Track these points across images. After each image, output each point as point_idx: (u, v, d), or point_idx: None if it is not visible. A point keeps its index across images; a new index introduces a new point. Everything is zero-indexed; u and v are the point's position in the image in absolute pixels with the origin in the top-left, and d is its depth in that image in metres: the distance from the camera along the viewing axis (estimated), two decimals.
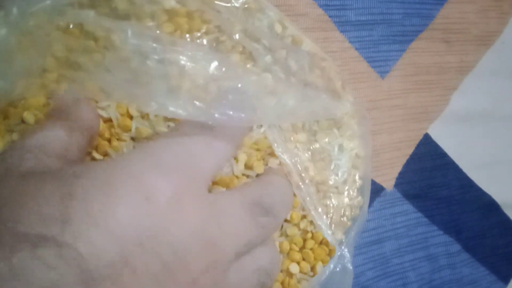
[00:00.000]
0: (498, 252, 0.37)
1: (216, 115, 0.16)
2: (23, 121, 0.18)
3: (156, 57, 0.16)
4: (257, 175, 0.20)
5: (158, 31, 0.18)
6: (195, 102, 0.16)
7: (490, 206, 0.36)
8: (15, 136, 0.18)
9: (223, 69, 0.16)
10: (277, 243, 0.21)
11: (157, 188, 0.14)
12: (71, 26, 0.19)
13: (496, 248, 0.37)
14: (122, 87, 0.16)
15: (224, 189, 0.19)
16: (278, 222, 0.19)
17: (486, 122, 0.36)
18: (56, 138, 0.16)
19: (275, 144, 0.20)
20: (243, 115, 0.16)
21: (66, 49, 0.17)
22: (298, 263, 0.22)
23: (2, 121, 0.18)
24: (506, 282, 0.38)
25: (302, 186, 0.21)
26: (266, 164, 0.21)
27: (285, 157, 0.21)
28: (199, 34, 0.19)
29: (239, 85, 0.17)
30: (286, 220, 0.22)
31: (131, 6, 0.20)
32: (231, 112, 0.16)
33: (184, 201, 0.15)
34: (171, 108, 0.15)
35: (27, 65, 0.16)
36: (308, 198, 0.22)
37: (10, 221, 0.13)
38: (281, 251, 0.21)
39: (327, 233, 0.22)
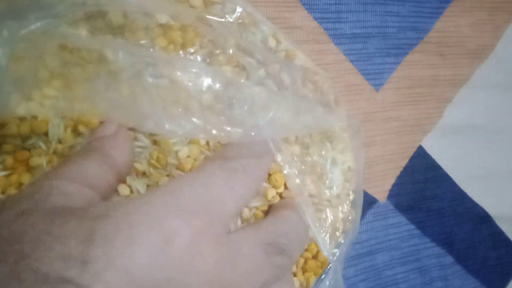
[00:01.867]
0: (490, 264, 0.37)
1: (214, 131, 0.16)
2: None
3: (150, 74, 0.16)
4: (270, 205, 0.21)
5: (151, 49, 0.18)
6: (192, 119, 0.16)
7: (483, 218, 0.37)
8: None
9: (218, 85, 0.16)
10: None
11: (176, 232, 0.15)
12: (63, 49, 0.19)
13: (488, 260, 0.37)
14: (118, 106, 0.16)
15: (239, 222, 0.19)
16: (293, 261, 0.19)
17: (480, 135, 0.36)
18: (87, 174, 0.16)
19: (278, 155, 0.20)
20: (240, 130, 0.17)
21: (59, 66, 0.17)
22: (294, 274, 0.22)
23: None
24: None
25: (301, 199, 0.21)
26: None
27: (286, 167, 0.21)
28: (192, 50, 0.19)
29: (234, 101, 0.17)
30: None
31: (125, 21, 0.20)
32: (228, 128, 0.16)
33: (202, 245, 0.15)
34: (168, 126, 0.15)
35: (19, 86, 0.16)
36: (306, 211, 0.22)
37: (32, 258, 0.13)
38: None
39: (325, 247, 0.22)
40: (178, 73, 0.16)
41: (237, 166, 0.18)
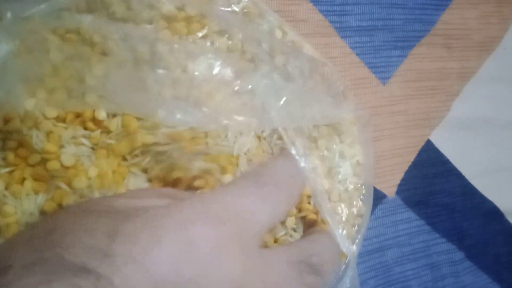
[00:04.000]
0: (501, 260, 0.37)
1: (225, 121, 0.16)
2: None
3: (159, 64, 0.16)
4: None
5: (160, 34, 0.17)
6: (203, 108, 0.15)
7: (493, 213, 0.36)
8: None
9: (230, 72, 0.16)
10: None
11: (201, 235, 0.15)
12: (68, 33, 0.19)
13: (500, 256, 0.37)
14: (127, 96, 0.15)
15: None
16: (325, 282, 0.19)
17: (489, 129, 0.35)
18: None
19: (293, 148, 0.20)
20: (251, 120, 0.16)
21: (64, 57, 0.17)
22: None
23: (3, 125, 0.18)
24: None
25: (317, 193, 0.21)
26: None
27: (302, 161, 0.20)
28: (198, 39, 0.19)
29: (245, 90, 0.17)
30: None
31: (129, 12, 0.20)
32: (240, 118, 0.16)
33: (228, 252, 0.15)
34: (179, 116, 0.15)
35: (24, 73, 0.15)
36: (324, 205, 0.21)
37: (58, 247, 0.14)
38: None
39: (343, 243, 0.22)
40: (189, 63, 0.16)
41: (270, 181, 0.18)
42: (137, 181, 0.18)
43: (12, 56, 0.15)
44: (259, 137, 0.20)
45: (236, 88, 0.17)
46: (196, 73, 0.16)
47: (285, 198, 0.19)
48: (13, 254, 0.14)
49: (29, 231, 0.15)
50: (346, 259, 0.23)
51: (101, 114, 0.18)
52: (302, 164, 0.21)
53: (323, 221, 0.22)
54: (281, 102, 0.18)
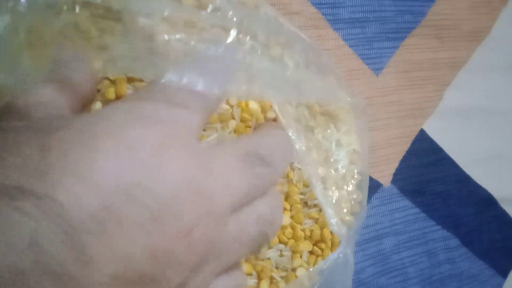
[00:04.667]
0: (496, 246, 0.37)
1: (229, 86, 0.16)
2: None
3: (164, 38, 0.16)
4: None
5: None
6: (209, 73, 0.16)
7: (487, 200, 0.37)
8: None
9: (232, 44, 0.16)
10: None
11: (140, 138, 0.14)
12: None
13: (494, 242, 0.37)
14: (135, 59, 0.16)
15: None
16: (277, 173, 0.18)
17: (481, 117, 0.36)
18: (44, 98, 0.15)
19: (289, 131, 0.20)
20: (255, 87, 0.16)
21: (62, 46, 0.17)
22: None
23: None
24: (505, 276, 0.38)
25: (312, 173, 0.21)
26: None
27: (297, 142, 0.20)
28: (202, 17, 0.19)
29: (250, 59, 0.17)
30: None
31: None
32: (243, 86, 0.16)
33: (170, 150, 0.14)
34: (185, 79, 0.15)
35: (36, 61, 0.16)
36: (317, 186, 0.22)
37: None
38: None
39: (334, 222, 0.22)
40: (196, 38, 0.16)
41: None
42: None
43: (25, 44, 0.15)
44: None
45: (244, 53, 0.17)
46: (200, 44, 0.16)
47: (219, 87, 0.17)
48: None
49: None
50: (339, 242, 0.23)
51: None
52: (297, 146, 0.21)
53: None
54: (288, 73, 0.18)
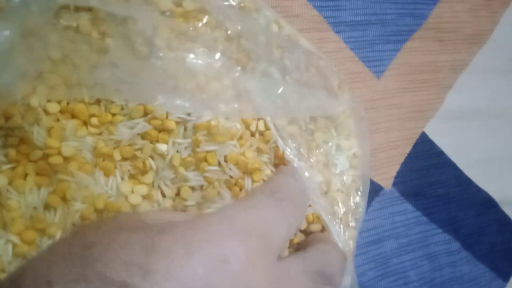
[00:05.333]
0: (496, 249, 0.37)
1: (223, 108, 0.16)
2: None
3: (160, 54, 0.16)
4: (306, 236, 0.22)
5: (158, 30, 0.18)
6: (201, 95, 0.16)
7: (488, 203, 0.37)
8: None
9: (224, 65, 0.16)
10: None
11: (233, 251, 0.15)
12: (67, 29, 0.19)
13: (495, 245, 0.37)
14: (127, 84, 0.16)
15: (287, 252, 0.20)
16: None
17: (482, 120, 0.36)
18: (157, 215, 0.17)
19: (287, 149, 0.21)
20: (248, 107, 0.17)
21: (64, 49, 0.17)
22: None
23: (4, 122, 0.18)
24: (506, 279, 0.38)
25: (311, 192, 0.21)
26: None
27: (295, 161, 0.21)
28: (195, 33, 0.19)
29: (242, 81, 0.17)
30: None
31: (127, 8, 0.20)
32: (236, 105, 0.16)
33: (257, 266, 0.16)
34: (178, 102, 0.15)
35: (26, 66, 0.16)
36: (318, 203, 0.22)
37: (98, 263, 0.14)
38: None
39: (339, 239, 0.22)
40: (186, 54, 0.16)
41: (285, 196, 0.19)
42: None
43: (18, 47, 0.15)
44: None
45: (235, 75, 0.17)
46: (194, 61, 0.16)
47: (299, 211, 0.20)
48: (53, 269, 0.14)
49: (64, 245, 0.16)
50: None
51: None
52: (295, 164, 0.22)
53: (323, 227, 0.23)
54: (279, 91, 0.18)
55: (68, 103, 0.19)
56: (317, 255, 0.20)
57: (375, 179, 0.32)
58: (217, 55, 0.17)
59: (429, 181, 0.34)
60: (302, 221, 0.21)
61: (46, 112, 0.19)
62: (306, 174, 0.23)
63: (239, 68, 0.18)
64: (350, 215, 0.25)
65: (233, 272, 0.15)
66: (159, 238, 0.15)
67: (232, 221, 0.17)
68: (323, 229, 0.23)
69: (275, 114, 0.19)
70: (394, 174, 0.33)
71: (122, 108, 0.19)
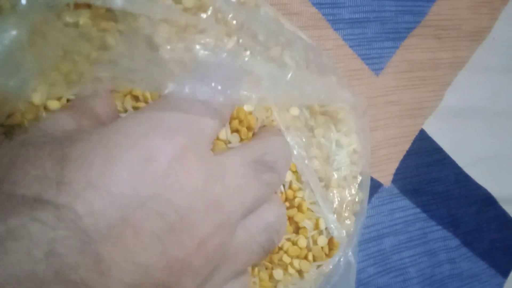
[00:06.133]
0: (496, 246, 0.37)
1: (231, 94, 0.16)
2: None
3: (166, 46, 0.16)
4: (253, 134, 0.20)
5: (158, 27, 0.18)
6: (212, 83, 0.16)
7: (487, 200, 0.37)
8: None
9: (233, 51, 0.17)
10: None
11: (157, 149, 0.14)
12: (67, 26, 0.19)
13: (494, 242, 0.37)
14: (135, 72, 0.16)
15: (224, 149, 0.18)
16: (280, 179, 0.19)
17: (481, 117, 0.36)
18: (62, 123, 0.16)
19: (288, 136, 0.21)
20: (257, 93, 0.17)
21: (65, 46, 0.17)
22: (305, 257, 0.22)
23: (4, 120, 0.18)
24: (505, 275, 0.38)
25: (310, 179, 0.21)
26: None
27: (296, 148, 0.21)
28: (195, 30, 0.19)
29: (251, 65, 0.17)
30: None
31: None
32: (245, 92, 0.16)
33: (186, 161, 0.15)
34: (187, 89, 0.15)
35: (38, 64, 0.16)
36: (316, 190, 0.22)
37: (6, 182, 0.13)
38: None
39: (335, 226, 0.22)
40: (195, 45, 0.16)
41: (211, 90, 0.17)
42: None
43: (27, 46, 0.15)
44: None
45: (244, 60, 0.17)
46: (201, 52, 0.16)
47: (228, 100, 0.18)
48: None
49: None
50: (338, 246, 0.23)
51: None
52: (295, 152, 0.22)
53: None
54: (288, 77, 0.18)
55: (67, 100, 0.19)
56: (257, 144, 0.18)
57: (374, 176, 0.32)
58: (225, 41, 0.17)
59: (429, 178, 0.34)
60: (233, 108, 0.19)
61: (46, 109, 0.19)
62: (306, 162, 0.22)
63: (248, 52, 0.18)
64: (349, 208, 0.25)
65: (160, 170, 0.14)
66: (71, 148, 0.14)
67: (153, 119, 0.15)
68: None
69: (285, 101, 0.19)
70: (393, 171, 0.33)
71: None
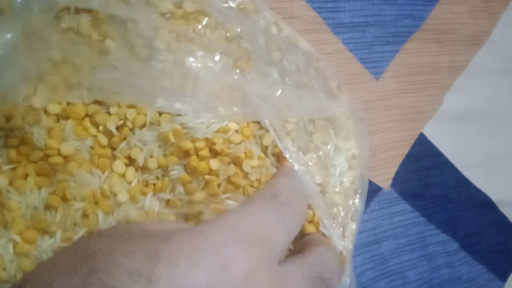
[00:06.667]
0: (495, 250, 0.37)
1: (222, 111, 0.16)
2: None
3: (160, 57, 0.16)
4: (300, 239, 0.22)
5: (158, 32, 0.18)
6: (201, 98, 0.16)
7: (486, 204, 0.37)
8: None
9: (224, 67, 0.17)
10: None
11: (235, 259, 0.16)
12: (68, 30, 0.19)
13: (493, 246, 0.37)
14: (126, 86, 0.16)
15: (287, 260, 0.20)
16: None
17: (480, 121, 0.36)
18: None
19: (286, 152, 0.21)
20: (247, 109, 0.17)
21: (64, 51, 0.17)
22: None
23: (4, 123, 0.18)
24: (504, 279, 0.38)
25: (311, 194, 0.22)
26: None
27: (295, 165, 0.21)
28: (194, 35, 0.19)
29: (241, 83, 0.17)
30: None
31: (127, 11, 0.20)
32: (235, 108, 0.17)
33: (259, 273, 0.16)
34: (177, 104, 0.16)
35: (27, 68, 0.16)
36: (318, 206, 0.22)
37: (101, 272, 0.14)
38: None
39: (338, 242, 0.23)
40: (187, 58, 0.16)
41: (285, 200, 0.19)
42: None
43: (14, 50, 0.15)
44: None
45: (235, 77, 0.17)
46: (194, 65, 0.16)
47: (298, 216, 0.20)
48: (56, 279, 0.14)
49: (66, 255, 0.16)
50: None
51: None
52: (296, 167, 0.22)
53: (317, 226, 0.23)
54: (277, 94, 0.19)
55: (68, 104, 0.19)
56: (315, 259, 0.20)
57: (374, 180, 0.32)
58: (217, 57, 0.17)
59: (428, 182, 0.34)
60: (302, 224, 0.22)
61: (46, 112, 0.19)
62: (306, 177, 0.23)
63: (238, 70, 0.18)
64: (349, 217, 0.25)
65: (235, 280, 0.15)
66: (162, 246, 0.15)
67: (233, 228, 0.17)
68: (318, 227, 0.23)
69: (274, 117, 0.19)
70: (393, 174, 0.33)
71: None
